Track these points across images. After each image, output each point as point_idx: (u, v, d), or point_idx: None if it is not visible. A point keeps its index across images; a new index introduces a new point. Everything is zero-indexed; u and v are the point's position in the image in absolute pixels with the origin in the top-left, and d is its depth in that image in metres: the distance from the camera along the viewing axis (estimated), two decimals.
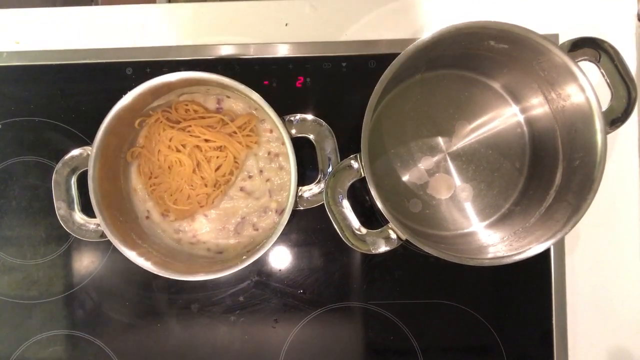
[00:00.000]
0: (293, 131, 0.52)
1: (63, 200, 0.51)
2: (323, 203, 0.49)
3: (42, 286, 0.59)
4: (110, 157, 0.53)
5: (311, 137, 0.52)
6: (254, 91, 0.49)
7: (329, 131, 0.52)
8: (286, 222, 0.48)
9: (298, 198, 0.51)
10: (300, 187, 0.51)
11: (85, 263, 0.59)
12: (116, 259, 0.58)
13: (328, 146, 0.52)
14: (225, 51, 0.59)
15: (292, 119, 0.52)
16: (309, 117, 0.52)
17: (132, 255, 0.49)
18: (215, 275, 0.49)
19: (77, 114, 0.59)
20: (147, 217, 0.56)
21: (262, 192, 0.56)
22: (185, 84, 0.53)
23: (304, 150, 0.55)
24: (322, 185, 0.51)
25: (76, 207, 0.51)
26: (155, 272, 0.49)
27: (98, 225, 0.50)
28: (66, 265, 0.59)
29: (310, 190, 0.52)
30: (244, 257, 0.49)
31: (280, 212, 0.56)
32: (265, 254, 0.58)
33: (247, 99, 0.52)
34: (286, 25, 0.60)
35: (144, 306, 0.58)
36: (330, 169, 0.52)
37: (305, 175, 0.57)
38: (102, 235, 0.50)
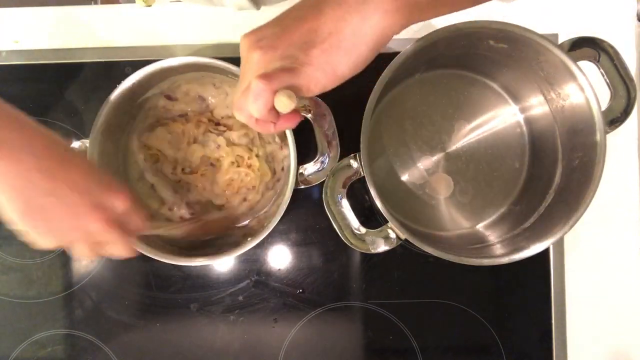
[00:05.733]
0: None
1: None
2: (322, 181, 0.49)
3: (41, 285, 0.59)
4: (107, 149, 0.52)
5: (309, 116, 0.52)
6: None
7: (326, 109, 0.51)
8: (289, 200, 0.48)
9: (298, 176, 0.51)
10: (300, 165, 0.51)
11: (84, 262, 0.59)
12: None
13: (326, 124, 0.51)
14: (225, 50, 0.59)
15: None
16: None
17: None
18: (215, 260, 0.49)
19: (77, 113, 0.59)
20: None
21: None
22: (182, 70, 0.53)
23: (304, 133, 0.53)
24: (320, 163, 0.51)
25: None
26: (153, 257, 0.49)
27: None
28: (65, 265, 0.59)
29: (309, 168, 0.52)
30: (249, 238, 0.49)
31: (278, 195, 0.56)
32: (265, 253, 0.58)
33: None
34: None
35: (143, 305, 0.58)
36: (328, 148, 0.51)
37: (307, 155, 0.55)
38: None
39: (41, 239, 0.37)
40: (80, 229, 0.37)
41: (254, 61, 0.34)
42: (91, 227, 0.37)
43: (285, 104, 0.33)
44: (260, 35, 0.34)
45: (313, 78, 0.34)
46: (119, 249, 0.40)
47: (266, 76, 0.33)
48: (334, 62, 0.33)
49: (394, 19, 0.32)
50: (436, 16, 0.35)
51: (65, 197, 0.36)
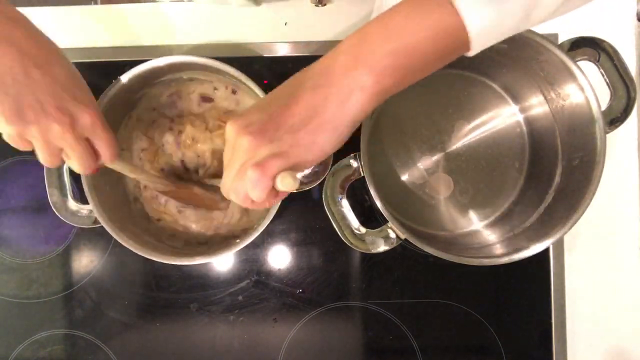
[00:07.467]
0: None
1: (55, 187, 0.51)
2: (316, 186, 0.49)
3: (41, 285, 0.59)
4: None
5: None
6: (242, 73, 0.49)
7: None
8: (279, 202, 0.48)
9: None
10: None
11: (84, 262, 0.59)
12: (115, 258, 0.58)
13: None
14: (225, 50, 0.59)
15: None
16: None
17: (125, 240, 0.49)
18: (211, 259, 0.49)
19: None
20: (136, 200, 0.57)
21: None
22: (177, 68, 0.53)
23: None
24: (313, 167, 0.51)
25: (69, 193, 0.51)
26: (150, 257, 0.49)
27: (91, 211, 0.50)
28: (65, 265, 0.59)
29: (302, 172, 0.51)
30: (238, 240, 0.49)
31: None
32: (265, 253, 0.58)
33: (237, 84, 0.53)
34: (285, 24, 0.60)
35: (143, 305, 0.58)
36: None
37: None
38: (95, 221, 0.50)
39: (3, 120, 0.38)
40: (40, 126, 0.38)
41: (243, 146, 0.35)
42: (51, 127, 0.39)
43: (290, 184, 0.35)
44: (248, 122, 0.36)
45: (302, 158, 0.35)
46: (77, 161, 0.41)
47: (260, 165, 0.34)
48: (320, 141, 0.35)
49: (369, 98, 0.34)
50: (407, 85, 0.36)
51: (36, 93, 0.38)
